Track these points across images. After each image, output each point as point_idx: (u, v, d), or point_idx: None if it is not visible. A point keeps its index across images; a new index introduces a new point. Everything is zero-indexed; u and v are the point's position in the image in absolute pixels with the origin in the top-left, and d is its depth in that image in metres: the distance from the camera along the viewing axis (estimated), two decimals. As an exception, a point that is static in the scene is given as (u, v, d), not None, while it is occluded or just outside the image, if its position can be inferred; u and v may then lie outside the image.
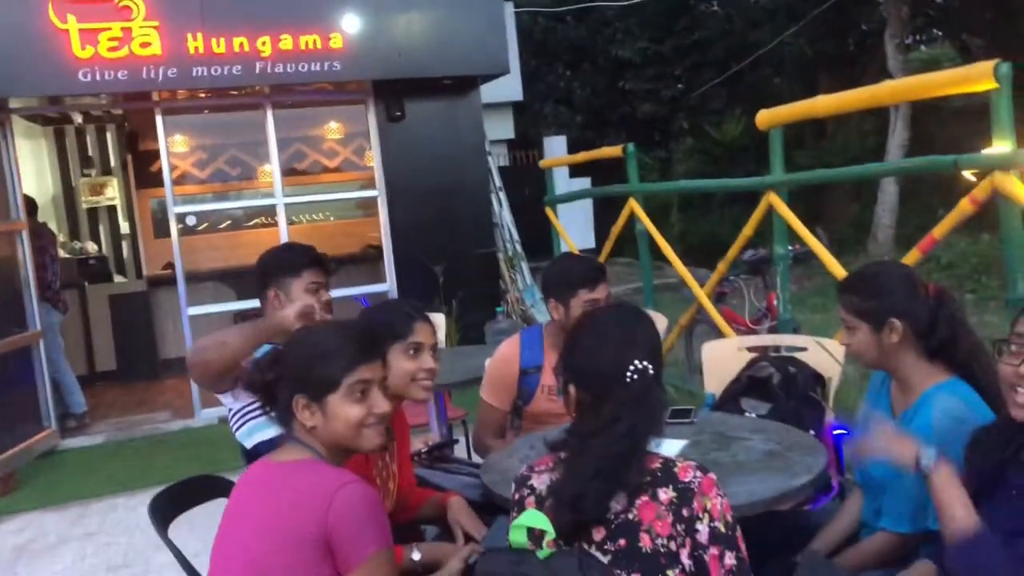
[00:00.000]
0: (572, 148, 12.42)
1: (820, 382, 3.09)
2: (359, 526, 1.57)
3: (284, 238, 7.13)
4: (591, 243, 11.49)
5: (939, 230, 3.00)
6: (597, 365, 1.65)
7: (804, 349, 3.18)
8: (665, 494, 1.56)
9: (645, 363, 1.63)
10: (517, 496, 1.69)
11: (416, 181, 7.40)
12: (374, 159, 7.49)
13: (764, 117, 4.17)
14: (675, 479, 1.57)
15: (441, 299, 7.13)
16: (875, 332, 2.08)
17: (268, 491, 1.66)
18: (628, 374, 1.61)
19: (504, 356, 2.94)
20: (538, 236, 8.39)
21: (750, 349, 3.28)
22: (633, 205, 5.44)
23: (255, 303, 2.76)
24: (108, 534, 4.56)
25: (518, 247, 8.50)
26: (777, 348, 3.46)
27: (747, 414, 3.13)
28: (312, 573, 1.56)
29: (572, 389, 1.69)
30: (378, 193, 7.45)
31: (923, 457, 1.75)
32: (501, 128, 11.44)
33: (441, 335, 4.54)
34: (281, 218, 7.22)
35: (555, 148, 12.67)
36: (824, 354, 3.12)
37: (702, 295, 4.75)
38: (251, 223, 9.41)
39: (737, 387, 3.22)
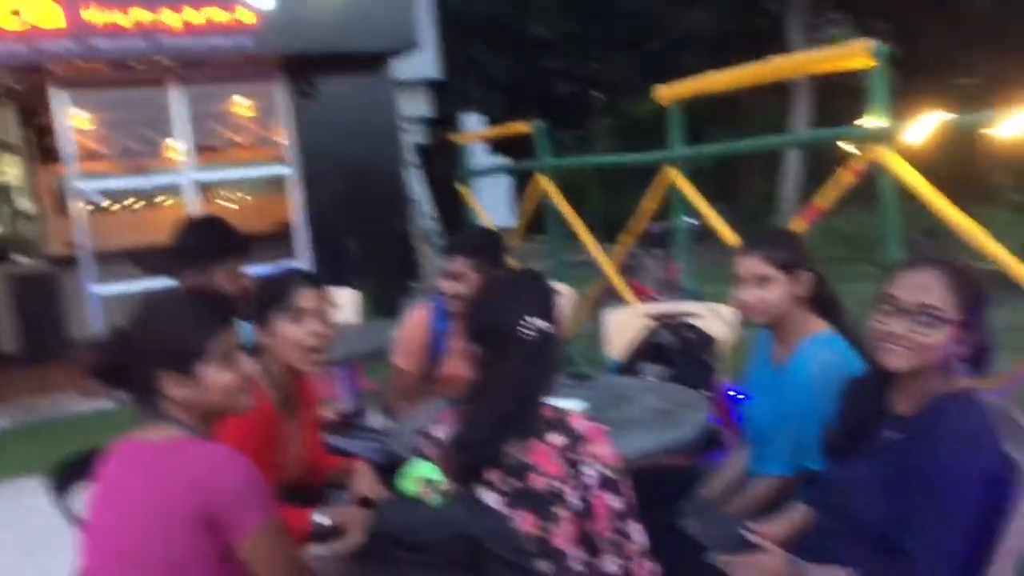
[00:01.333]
0: (494, 127, 12.46)
1: (714, 346, 3.26)
2: (240, 498, 1.55)
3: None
4: (511, 221, 11.56)
5: (822, 200, 3.18)
6: (494, 321, 1.76)
7: (700, 316, 3.34)
8: (557, 439, 1.67)
9: (540, 322, 1.74)
10: (419, 448, 1.79)
11: (329, 158, 7.36)
12: (286, 136, 7.41)
13: (664, 93, 4.32)
14: (566, 426, 1.69)
15: (356, 275, 7.13)
16: (790, 284, 2.22)
17: (138, 473, 1.60)
18: (524, 331, 1.72)
19: (414, 321, 3.02)
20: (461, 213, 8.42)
21: (650, 316, 3.42)
22: (541, 181, 5.55)
23: (167, 282, 2.72)
24: (21, 518, 4.47)
25: (433, 224, 8.54)
26: (676, 316, 3.62)
27: (647, 378, 3.28)
28: (193, 554, 1.54)
29: (473, 347, 1.78)
30: (290, 170, 7.39)
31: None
32: (419, 106, 11.40)
33: (355, 311, 4.57)
34: (191, 196, 7.10)
35: (472, 127, 12.69)
36: (718, 320, 3.29)
37: (608, 267, 4.90)
38: (161, 201, 9.19)
39: (638, 353, 3.36)
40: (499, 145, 11.03)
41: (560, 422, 1.70)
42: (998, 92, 6.87)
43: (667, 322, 3.38)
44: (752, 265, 2.25)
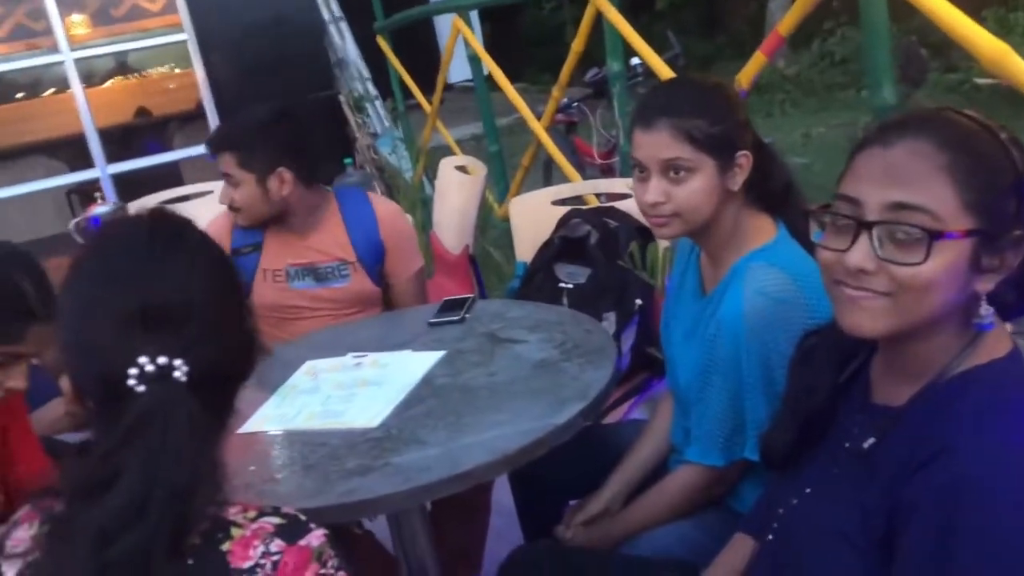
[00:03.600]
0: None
1: (646, 238, 2.46)
2: None
3: (82, 103, 6.09)
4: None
5: (784, 26, 2.29)
6: (82, 352, 0.89)
7: (627, 196, 2.51)
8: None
9: (166, 359, 0.85)
10: None
11: (230, 18, 6.31)
12: (176, -3, 6.33)
13: None
14: (226, 569, 0.85)
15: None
16: (717, 174, 1.40)
17: None
18: (132, 377, 0.85)
19: (211, 228, 2.20)
20: (424, 71, 7.30)
21: (563, 202, 2.60)
22: (458, 24, 4.55)
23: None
24: None
25: (369, 86, 7.52)
26: (601, 198, 2.79)
27: (562, 284, 2.51)
28: None
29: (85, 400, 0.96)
30: (186, 36, 6.36)
31: None
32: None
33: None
34: (74, 79, 6.13)
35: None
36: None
37: (538, 127, 4.00)
38: (42, 90, 8.09)
39: (550, 251, 2.57)
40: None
41: (215, 556, 0.85)
42: None
43: (582, 209, 2.56)
44: (660, 146, 1.41)
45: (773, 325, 1.33)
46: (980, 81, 6.96)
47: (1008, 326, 1.01)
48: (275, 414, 1.66)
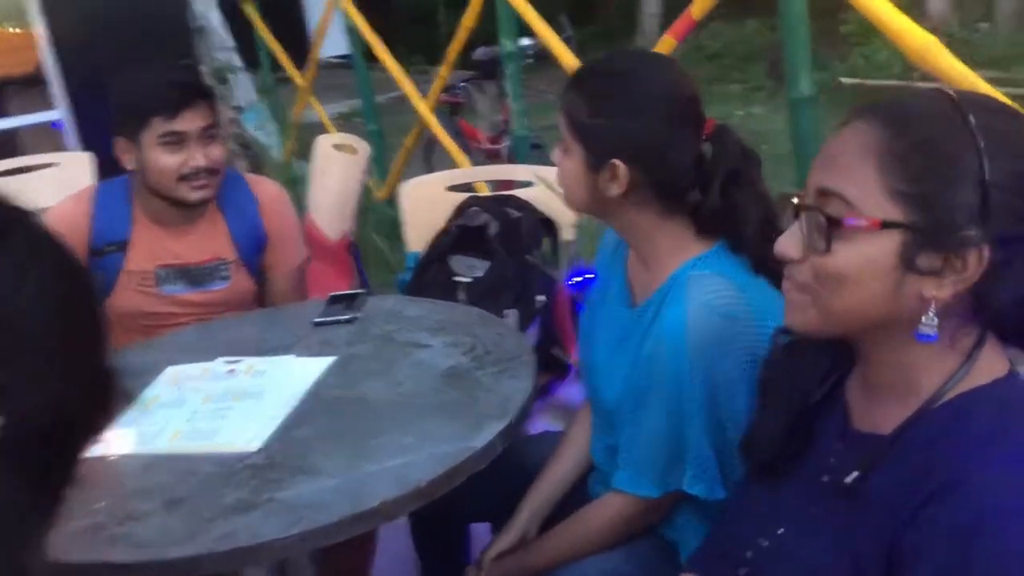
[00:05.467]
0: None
1: (550, 230, 2.29)
2: None
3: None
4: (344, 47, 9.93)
5: (697, 9, 2.16)
6: None
7: (528, 184, 2.33)
8: None
9: None
10: None
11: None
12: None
13: None
14: None
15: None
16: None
17: None
18: None
19: (64, 222, 1.84)
20: (290, 45, 6.83)
21: (459, 188, 2.40)
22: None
23: None
24: None
25: (234, 57, 7.03)
26: (498, 185, 2.60)
27: (459, 278, 2.30)
28: None
29: None
30: (24, -9, 5.73)
31: None
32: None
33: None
34: None
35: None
36: (556, 190, 2.29)
37: (423, 107, 3.77)
38: None
39: (445, 241, 2.36)
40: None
41: None
42: None
43: (480, 196, 2.37)
44: (563, 111, 1.26)
45: (721, 343, 1.18)
46: (845, 81, 7.20)
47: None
48: (130, 433, 1.39)
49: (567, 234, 2.25)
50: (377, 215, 4.15)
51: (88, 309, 0.68)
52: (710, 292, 1.19)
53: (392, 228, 3.19)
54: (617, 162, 1.21)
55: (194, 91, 1.85)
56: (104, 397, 0.69)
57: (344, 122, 7.44)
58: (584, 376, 1.48)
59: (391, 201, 3.75)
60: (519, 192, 2.34)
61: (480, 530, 1.74)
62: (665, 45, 2.31)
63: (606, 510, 1.33)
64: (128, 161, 1.85)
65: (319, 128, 4.88)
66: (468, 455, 1.22)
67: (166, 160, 1.82)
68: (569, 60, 2.75)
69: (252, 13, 5.83)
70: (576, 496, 1.47)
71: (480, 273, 2.29)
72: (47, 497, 0.64)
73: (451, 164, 3.67)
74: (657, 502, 1.29)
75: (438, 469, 1.19)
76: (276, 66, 6.28)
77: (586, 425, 1.52)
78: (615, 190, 1.23)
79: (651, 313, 1.27)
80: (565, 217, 2.23)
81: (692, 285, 1.21)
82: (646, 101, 1.23)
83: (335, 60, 8.12)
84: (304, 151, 3.17)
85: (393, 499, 1.14)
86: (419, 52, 9.50)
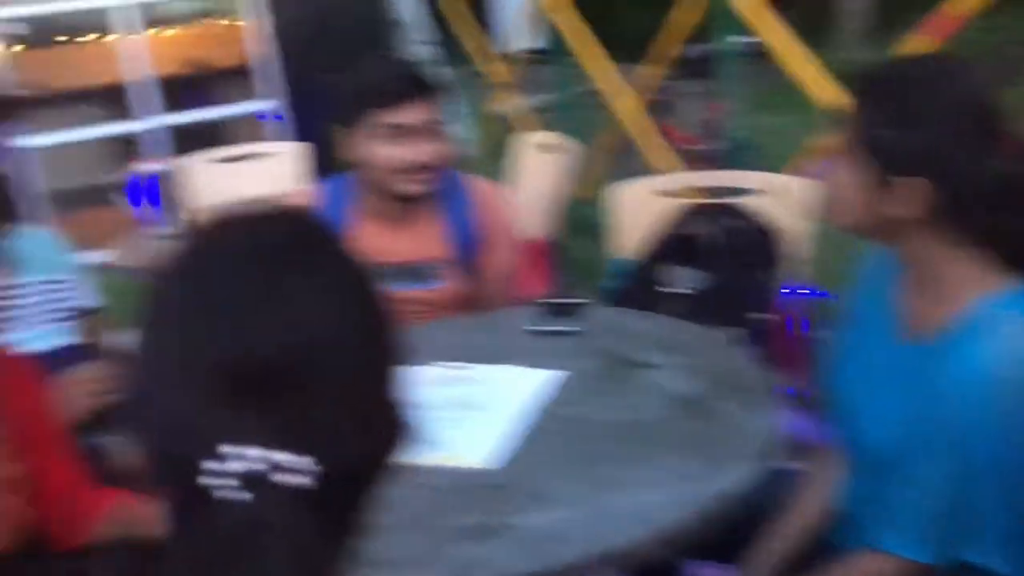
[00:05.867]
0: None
1: (769, 241, 2.13)
2: None
3: (127, 51, 5.84)
4: (533, 41, 9.81)
5: (961, 5, 1.93)
6: (162, 446, 0.58)
7: (750, 192, 2.18)
8: None
9: (263, 451, 0.53)
10: None
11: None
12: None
13: None
14: None
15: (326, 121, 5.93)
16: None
17: None
18: (207, 473, 0.53)
19: None
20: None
21: (677, 193, 2.28)
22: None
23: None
24: None
25: (433, 51, 7.14)
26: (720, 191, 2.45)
27: (677, 291, 2.19)
28: None
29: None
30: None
31: None
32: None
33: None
34: (117, 26, 5.85)
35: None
36: (783, 198, 2.13)
37: (631, 105, 3.66)
38: (83, 36, 7.75)
39: (658, 250, 2.25)
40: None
41: None
42: None
43: (704, 203, 2.24)
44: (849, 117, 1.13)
45: None
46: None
47: None
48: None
49: (798, 250, 2.08)
50: (575, 215, 4.05)
51: (387, 333, 0.64)
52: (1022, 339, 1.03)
53: (589, 230, 3.09)
54: (915, 180, 1.07)
55: (418, 85, 1.84)
56: (394, 433, 0.64)
57: (535, 118, 7.43)
58: (838, 414, 1.34)
59: (586, 201, 3.66)
60: (741, 201, 2.19)
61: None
62: (922, 47, 2.09)
63: (866, 571, 1.19)
64: (346, 152, 1.85)
65: (508, 123, 4.87)
66: (718, 500, 1.11)
67: (387, 152, 1.81)
68: (797, 61, 2.56)
69: (454, 6, 5.89)
70: (818, 552, 1.32)
71: (699, 286, 2.17)
72: (349, 534, 0.61)
73: (646, 165, 3.53)
74: (929, 570, 1.13)
75: (681, 511, 1.09)
76: (462, 59, 6.34)
77: (833, 469, 1.37)
78: (907, 210, 1.09)
79: (946, 351, 1.11)
80: (795, 231, 2.07)
81: (1004, 327, 1.05)
82: (951, 112, 1.07)
83: (523, 54, 8.16)
84: (498, 145, 3.10)
85: (637, 540, 1.05)
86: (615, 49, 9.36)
